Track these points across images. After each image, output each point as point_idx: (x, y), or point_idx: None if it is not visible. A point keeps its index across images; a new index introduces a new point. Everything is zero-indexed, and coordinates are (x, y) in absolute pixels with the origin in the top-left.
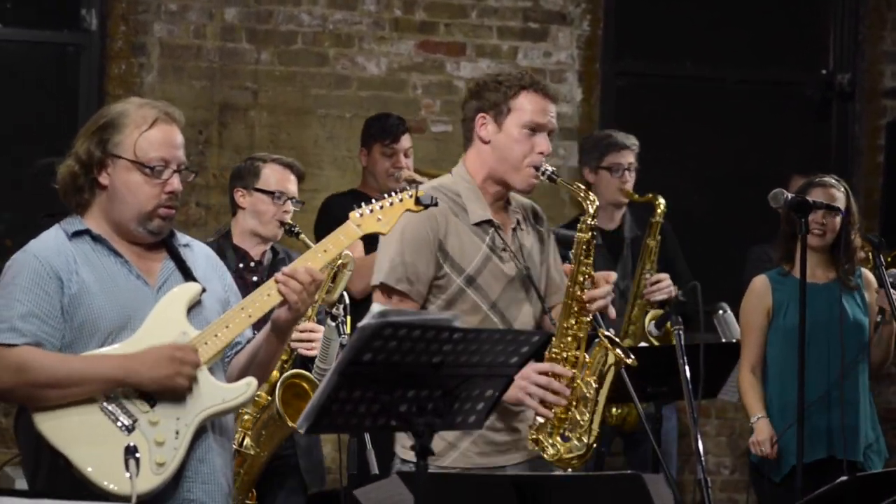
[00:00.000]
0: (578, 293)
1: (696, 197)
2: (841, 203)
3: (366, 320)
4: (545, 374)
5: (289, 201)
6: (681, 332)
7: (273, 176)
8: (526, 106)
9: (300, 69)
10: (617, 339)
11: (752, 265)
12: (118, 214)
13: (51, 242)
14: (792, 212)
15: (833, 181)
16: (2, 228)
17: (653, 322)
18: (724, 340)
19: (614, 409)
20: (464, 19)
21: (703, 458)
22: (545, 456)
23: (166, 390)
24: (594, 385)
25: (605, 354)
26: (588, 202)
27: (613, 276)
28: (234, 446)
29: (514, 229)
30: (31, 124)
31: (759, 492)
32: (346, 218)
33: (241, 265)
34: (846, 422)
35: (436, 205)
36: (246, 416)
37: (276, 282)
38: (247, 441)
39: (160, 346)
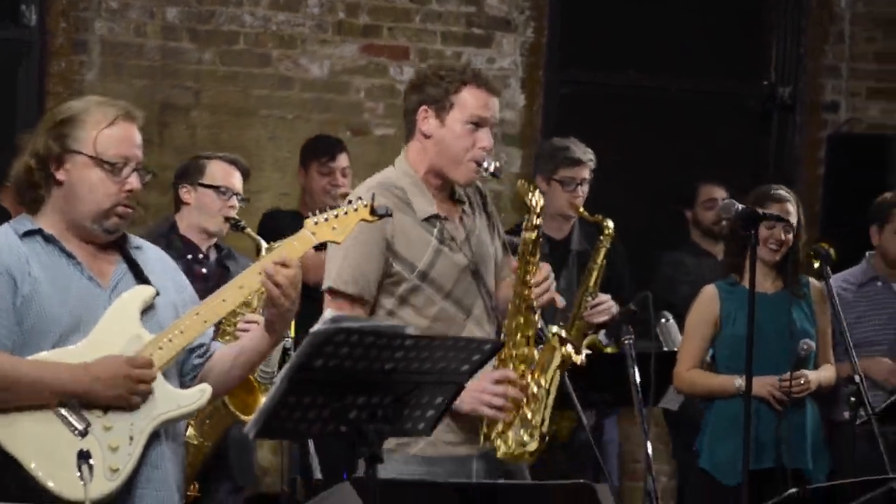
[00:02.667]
0: (525, 291)
1: (634, 206)
2: (794, 216)
3: (318, 326)
4: (500, 382)
5: (234, 197)
6: (631, 341)
7: (219, 171)
8: (468, 101)
9: (242, 69)
10: (566, 336)
11: (668, 272)
12: (74, 212)
13: (2, 241)
14: (741, 223)
15: (786, 194)
16: None
17: (603, 331)
18: (666, 349)
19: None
20: (407, 23)
21: (652, 468)
22: (498, 454)
23: (120, 408)
24: (544, 384)
25: (554, 352)
26: (533, 198)
27: (547, 266)
28: None
29: (460, 218)
30: None
31: (709, 497)
32: (284, 234)
33: (189, 256)
34: (793, 430)
35: (390, 215)
36: None
37: (261, 276)
38: (190, 431)
39: (117, 361)
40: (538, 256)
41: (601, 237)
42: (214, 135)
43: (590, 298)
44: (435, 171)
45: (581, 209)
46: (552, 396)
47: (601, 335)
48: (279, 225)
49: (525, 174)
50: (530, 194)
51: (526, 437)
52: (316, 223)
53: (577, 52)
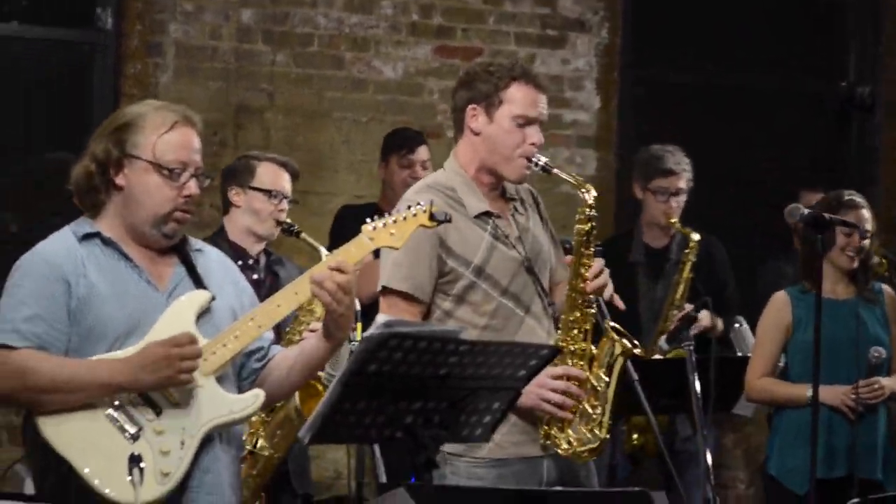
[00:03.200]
0: (581, 285)
1: (712, 206)
2: (869, 224)
3: (371, 330)
4: (560, 378)
5: (284, 200)
6: (691, 347)
7: (268, 174)
8: (517, 97)
9: (316, 72)
10: (621, 329)
11: (767, 280)
12: (133, 216)
13: (60, 244)
14: (809, 228)
15: (860, 200)
16: (15, 228)
17: (664, 337)
18: (739, 354)
19: (634, 436)
20: (481, 25)
21: (710, 475)
22: (559, 451)
23: (171, 388)
24: (604, 378)
25: (612, 345)
26: (585, 191)
27: (602, 261)
28: (248, 448)
29: (512, 215)
30: (44, 123)
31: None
32: (359, 230)
33: (239, 262)
34: (864, 439)
35: (449, 220)
36: (254, 418)
37: (311, 283)
38: (261, 443)
39: (155, 345)
40: (592, 250)
41: (686, 250)
42: (289, 137)
43: (675, 311)
44: (486, 168)
45: (674, 219)
46: (612, 389)
47: (662, 341)
48: (358, 219)
49: (601, 176)
50: (583, 188)
51: (588, 434)
52: (374, 229)
53: (651, 51)
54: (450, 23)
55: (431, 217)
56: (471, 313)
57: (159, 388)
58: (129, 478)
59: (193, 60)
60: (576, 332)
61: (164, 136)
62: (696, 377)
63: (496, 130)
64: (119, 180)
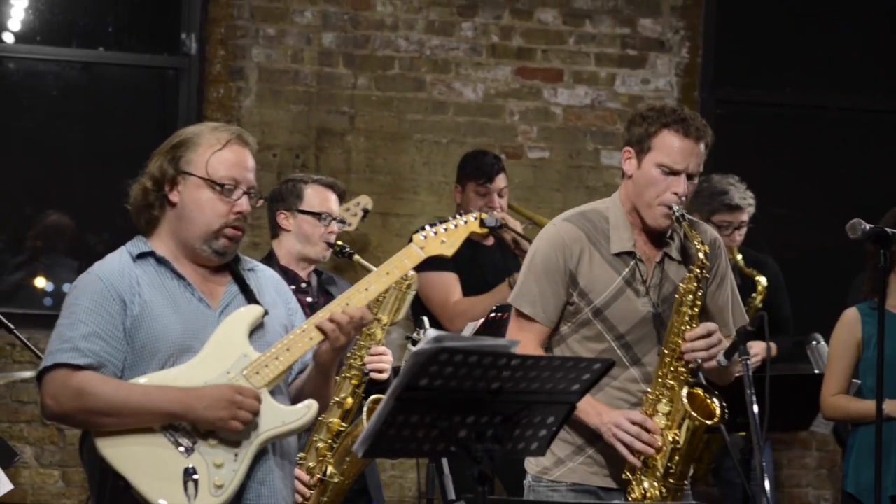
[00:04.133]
0: (677, 340)
1: (797, 226)
2: None
3: (421, 345)
4: (637, 424)
5: (333, 222)
6: (748, 362)
7: (316, 196)
8: (663, 146)
9: (397, 94)
10: (712, 390)
11: (854, 293)
12: (185, 232)
13: (115, 264)
14: (872, 243)
15: None
16: (102, 249)
17: (722, 353)
18: (816, 371)
19: None
20: (561, 45)
21: (766, 490)
22: (629, 497)
23: (219, 431)
24: (677, 438)
25: (685, 415)
26: (701, 251)
27: (714, 326)
28: (318, 476)
29: (659, 262)
30: (130, 147)
31: None
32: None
33: (292, 287)
34: None
35: (500, 227)
36: (320, 444)
37: (316, 326)
38: (330, 469)
39: (223, 386)
40: (697, 309)
41: (754, 294)
42: (369, 159)
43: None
44: (635, 210)
45: (738, 257)
46: (683, 451)
47: (720, 356)
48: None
49: None
50: (699, 245)
51: (657, 491)
52: (424, 237)
53: (732, 71)
54: (529, 44)
55: (482, 224)
56: (581, 346)
57: (209, 426)
58: (184, 491)
59: (275, 84)
60: (664, 388)
61: (218, 154)
62: (754, 392)
63: (642, 176)
64: (173, 196)
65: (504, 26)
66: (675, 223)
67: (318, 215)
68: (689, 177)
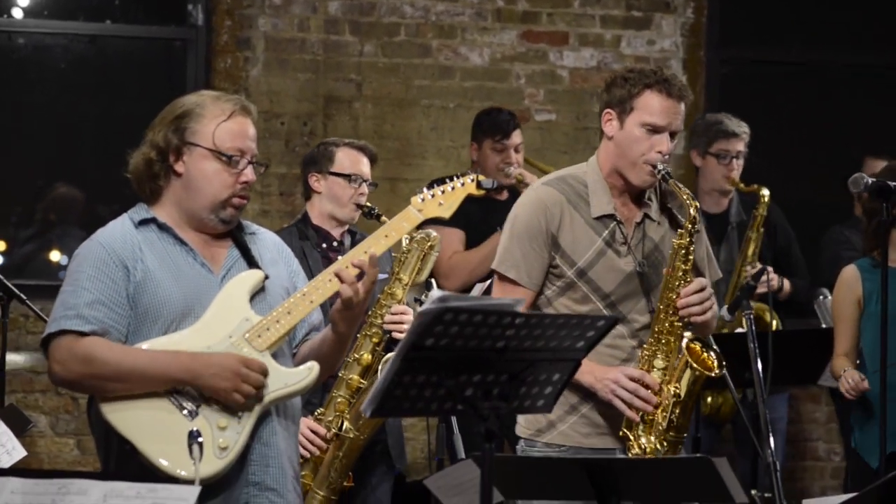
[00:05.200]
0: (672, 296)
1: (801, 183)
2: None
3: (426, 305)
4: (636, 380)
5: (364, 184)
6: (751, 316)
7: (347, 159)
8: (647, 106)
9: (403, 60)
10: (710, 343)
11: (830, 246)
12: (192, 202)
13: (117, 231)
14: (874, 197)
15: None
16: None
17: (725, 307)
18: (823, 326)
19: (709, 398)
20: (566, 8)
21: (770, 442)
22: (630, 454)
23: (221, 400)
24: (678, 391)
25: (686, 367)
26: (692, 208)
27: (703, 281)
28: (334, 431)
29: (639, 223)
30: (138, 118)
31: (854, 476)
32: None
33: (324, 245)
34: None
35: (497, 189)
36: (339, 400)
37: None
38: (346, 425)
39: (231, 356)
40: (690, 265)
41: (757, 205)
42: (377, 126)
43: (748, 268)
44: (616, 171)
45: (737, 181)
46: (683, 403)
47: (723, 310)
48: None
49: (688, 156)
50: (689, 200)
51: (658, 445)
52: (422, 200)
53: (737, 30)
54: (535, 7)
55: (479, 185)
56: (567, 308)
57: (213, 394)
58: (189, 453)
59: (282, 53)
60: (662, 343)
61: (223, 125)
62: (757, 346)
63: (625, 136)
64: (178, 167)
65: None
66: (661, 182)
67: (348, 177)
68: (672, 135)
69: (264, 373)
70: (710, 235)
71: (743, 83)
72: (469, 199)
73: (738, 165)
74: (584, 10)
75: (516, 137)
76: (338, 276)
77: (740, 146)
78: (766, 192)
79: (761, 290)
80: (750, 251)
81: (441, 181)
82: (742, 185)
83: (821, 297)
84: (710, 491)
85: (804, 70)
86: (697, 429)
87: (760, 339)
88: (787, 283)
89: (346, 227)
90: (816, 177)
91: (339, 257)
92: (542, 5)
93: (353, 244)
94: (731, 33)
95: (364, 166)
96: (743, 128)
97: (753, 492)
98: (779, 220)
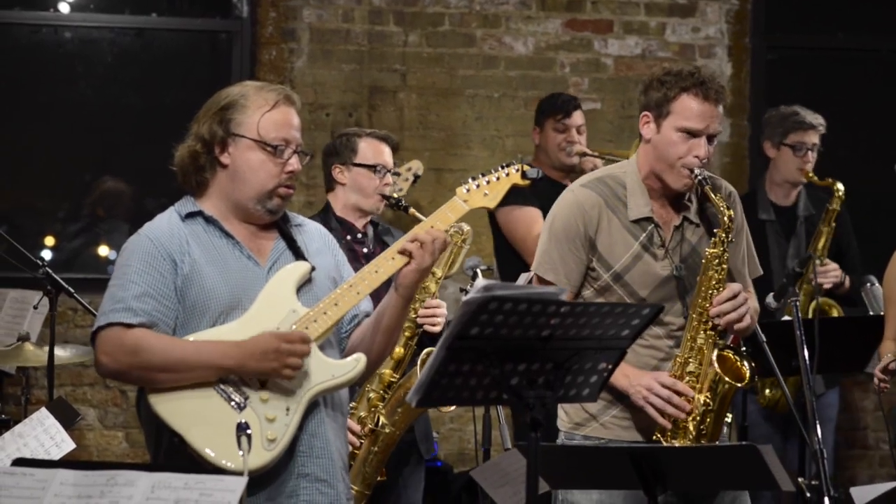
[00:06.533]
0: (705, 304)
1: (849, 170)
2: None
3: (471, 294)
4: (668, 388)
5: (388, 174)
6: (797, 303)
7: (370, 149)
8: (683, 110)
9: (448, 50)
10: (741, 352)
11: None
12: (238, 193)
13: (164, 225)
14: None
15: None
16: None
17: (771, 294)
18: (871, 313)
19: (767, 391)
20: None
21: (818, 431)
22: None
23: (274, 380)
24: (708, 400)
25: (717, 377)
26: (726, 217)
27: (736, 287)
28: (370, 426)
29: (677, 227)
30: (185, 111)
31: None
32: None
33: (348, 237)
34: None
35: (541, 178)
36: (372, 395)
37: (399, 251)
38: (382, 420)
39: (269, 336)
40: (724, 273)
41: (831, 199)
42: (422, 116)
43: (818, 262)
44: (654, 174)
45: (811, 173)
46: (718, 413)
47: (769, 298)
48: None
49: (734, 143)
50: (723, 209)
51: None
52: (467, 190)
53: (782, 16)
54: None
55: (524, 175)
56: None
57: (262, 376)
58: (238, 445)
59: (327, 44)
60: (695, 351)
61: (268, 115)
62: (803, 334)
63: (662, 140)
64: (224, 159)
65: None
66: (697, 185)
67: (372, 167)
68: (709, 139)
69: (304, 340)
70: (780, 228)
71: (788, 70)
72: (542, 180)
73: (812, 158)
74: None
75: (578, 118)
76: (415, 238)
77: (815, 138)
78: (840, 186)
79: (826, 284)
80: (820, 244)
81: (486, 172)
82: (816, 179)
83: (868, 285)
84: (756, 478)
85: (850, 56)
86: (744, 417)
87: (807, 327)
88: (847, 281)
89: (370, 218)
90: (862, 164)
91: (364, 249)
92: None
93: (377, 235)
94: (776, 20)
95: (387, 156)
96: (819, 120)
97: (801, 479)
98: (843, 215)
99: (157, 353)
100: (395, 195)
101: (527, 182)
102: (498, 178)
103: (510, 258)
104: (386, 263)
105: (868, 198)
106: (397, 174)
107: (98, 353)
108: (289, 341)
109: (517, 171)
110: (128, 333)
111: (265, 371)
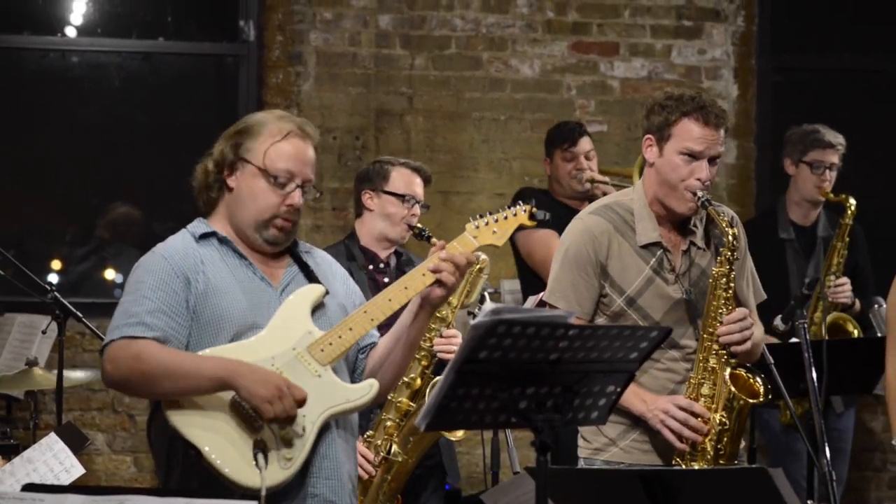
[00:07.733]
0: (717, 325)
1: (856, 190)
2: None
3: (479, 318)
4: (685, 410)
5: (417, 205)
6: (805, 325)
7: (402, 179)
8: (684, 133)
9: (454, 73)
10: (754, 369)
11: None
12: (238, 217)
13: (178, 244)
14: None
15: None
16: (167, 237)
17: (779, 317)
18: (879, 335)
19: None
20: (616, 19)
21: (826, 453)
22: None
23: (254, 409)
24: (724, 419)
25: (732, 395)
26: (730, 235)
27: (745, 311)
28: (382, 454)
29: (685, 251)
30: (192, 134)
31: None
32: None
33: (370, 266)
34: None
35: (548, 221)
36: (388, 423)
37: (431, 269)
38: (394, 448)
39: (276, 374)
40: (731, 291)
41: (843, 215)
42: (429, 139)
43: (833, 278)
44: (658, 199)
45: (828, 192)
46: (731, 431)
47: (777, 320)
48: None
49: (741, 164)
50: (727, 227)
51: None
52: (477, 227)
53: (788, 38)
54: (585, 18)
55: (531, 216)
56: None
57: (249, 399)
58: (255, 463)
59: (334, 67)
60: (707, 372)
61: (277, 145)
62: (812, 355)
63: (665, 163)
64: (230, 181)
65: (559, 2)
66: (700, 208)
67: (402, 197)
68: (711, 161)
69: (302, 403)
70: (799, 248)
71: (794, 91)
72: (558, 204)
73: (830, 177)
74: (635, 20)
75: (585, 144)
76: (447, 258)
77: (835, 158)
78: (852, 201)
79: (843, 300)
80: (834, 261)
81: (495, 211)
82: (832, 196)
83: (875, 306)
84: (766, 501)
85: (856, 77)
86: (753, 439)
87: (815, 349)
88: (857, 304)
89: (394, 248)
90: (868, 184)
91: (385, 279)
92: (592, 16)
93: (399, 265)
94: (782, 41)
95: (418, 187)
96: (839, 139)
97: (810, 502)
98: (859, 235)
99: (157, 360)
100: (419, 225)
101: (533, 223)
102: (506, 218)
103: (533, 280)
104: (399, 293)
105: (874, 217)
106: (426, 207)
107: (104, 363)
108: (292, 391)
109: (525, 211)
110: (133, 343)
111: (254, 392)
